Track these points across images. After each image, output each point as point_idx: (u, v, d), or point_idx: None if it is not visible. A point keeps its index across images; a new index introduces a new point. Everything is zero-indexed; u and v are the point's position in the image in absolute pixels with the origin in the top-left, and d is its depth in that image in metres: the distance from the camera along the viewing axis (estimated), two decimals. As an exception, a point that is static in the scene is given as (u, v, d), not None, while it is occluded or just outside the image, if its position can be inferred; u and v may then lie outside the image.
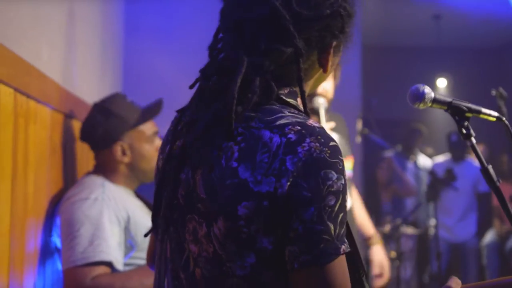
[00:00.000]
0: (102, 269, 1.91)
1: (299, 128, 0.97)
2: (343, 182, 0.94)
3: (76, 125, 2.36)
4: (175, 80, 3.49)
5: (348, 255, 0.98)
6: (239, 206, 0.94)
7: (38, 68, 1.90)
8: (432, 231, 5.69)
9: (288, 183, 0.92)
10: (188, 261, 1.04)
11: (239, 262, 0.96)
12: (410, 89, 1.48)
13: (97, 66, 3.12)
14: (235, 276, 0.97)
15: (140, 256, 2.06)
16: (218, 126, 0.99)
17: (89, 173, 2.19)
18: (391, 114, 6.38)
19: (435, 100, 1.47)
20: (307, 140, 0.95)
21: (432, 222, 5.14)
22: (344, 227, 0.95)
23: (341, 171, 0.95)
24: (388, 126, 6.05)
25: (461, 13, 6.72)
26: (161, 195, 1.07)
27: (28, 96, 1.79)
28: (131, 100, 2.25)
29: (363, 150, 5.41)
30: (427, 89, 1.47)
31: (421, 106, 1.48)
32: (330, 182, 0.93)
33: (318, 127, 0.98)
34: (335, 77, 2.56)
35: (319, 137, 0.96)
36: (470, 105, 1.49)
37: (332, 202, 0.92)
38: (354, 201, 2.71)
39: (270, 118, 0.99)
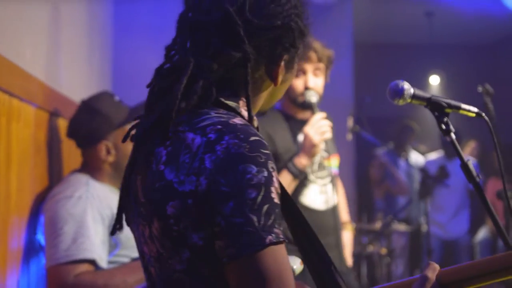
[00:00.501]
0: (85, 267, 1.91)
1: (219, 127, 1.00)
2: (265, 175, 0.95)
3: (63, 124, 2.35)
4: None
5: (312, 249, 1.01)
6: (167, 206, 0.99)
7: (21, 66, 1.90)
8: (424, 228, 5.71)
9: (207, 181, 0.95)
10: (146, 261, 1.10)
11: (177, 258, 1.01)
12: (390, 85, 1.48)
13: (85, 64, 3.11)
14: (176, 271, 1.02)
15: (125, 254, 2.06)
16: (157, 129, 1.04)
17: (74, 171, 2.19)
18: (384, 112, 6.36)
19: (414, 96, 1.48)
20: (226, 137, 0.97)
21: (424, 219, 5.15)
22: (273, 218, 0.95)
23: (262, 164, 0.96)
24: (381, 124, 6.05)
25: (454, 10, 6.73)
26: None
27: (11, 94, 1.79)
28: (118, 99, 2.25)
29: (355, 147, 5.41)
30: (406, 85, 1.47)
31: (401, 102, 1.48)
32: (249, 176, 0.94)
33: (240, 124, 1.01)
34: (325, 76, 2.57)
35: (238, 133, 0.98)
36: (449, 101, 1.49)
37: (253, 195, 0.93)
38: (338, 195, 2.72)
39: (196, 120, 1.03)
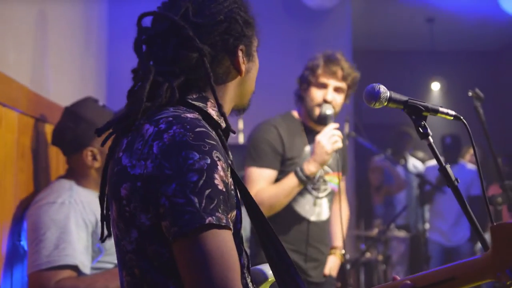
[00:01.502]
0: (67, 273, 1.90)
1: (171, 119, 1.10)
2: (208, 162, 1.03)
3: (49, 129, 2.35)
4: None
5: (275, 252, 1.11)
6: (121, 188, 1.09)
7: (3, 71, 1.89)
8: (424, 235, 5.67)
9: (153, 164, 1.04)
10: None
11: (127, 238, 1.09)
12: (366, 88, 1.47)
13: (75, 70, 3.11)
14: (128, 252, 1.10)
15: (108, 261, 2.05)
16: (123, 125, 1.16)
17: (60, 177, 2.18)
18: (384, 118, 6.35)
19: (390, 99, 1.46)
20: (174, 127, 1.07)
21: (425, 226, 5.12)
22: (215, 203, 1.01)
23: (206, 152, 1.04)
24: (379, 130, 6.04)
25: (455, 16, 6.71)
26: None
27: (-8, 99, 1.78)
28: (103, 105, 2.24)
29: (353, 154, 5.39)
30: (382, 88, 1.46)
31: (377, 105, 1.47)
32: (191, 161, 1.02)
33: (190, 118, 1.10)
34: (346, 96, 2.60)
35: (185, 124, 1.07)
36: (426, 104, 1.48)
37: (194, 179, 1.00)
38: (333, 212, 2.72)
39: (155, 115, 1.13)
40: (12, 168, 1.99)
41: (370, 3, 6.10)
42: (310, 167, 2.39)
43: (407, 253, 5.51)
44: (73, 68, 3.02)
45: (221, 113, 1.20)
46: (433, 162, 5.74)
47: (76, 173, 2.15)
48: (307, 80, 2.53)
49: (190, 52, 1.16)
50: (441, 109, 1.49)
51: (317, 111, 2.51)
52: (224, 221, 1.01)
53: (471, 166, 5.53)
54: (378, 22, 6.92)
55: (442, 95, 7.61)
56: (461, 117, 1.50)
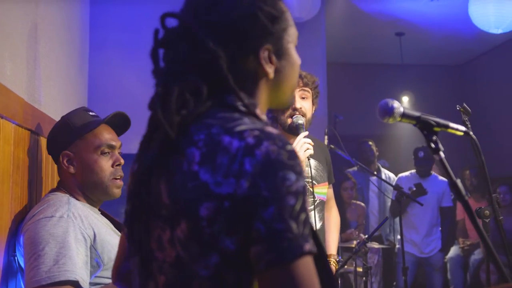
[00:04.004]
0: (68, 289, 1.85)
1: (257, 133, 1.00)
2: (302, 184, 0.96)
3: (43, 142, 2.31)
4: (142, 93, 3.46)
5: (319, 264, 1.00)
6: (201, 207, 0.97)
7: (1, 81, 1.85)
8: (397, 245, 5.74)
9: (247, 184, 0.95)
10: (152, 272, 1.07)
11: (203, 263, 0.98)
12: (379, 104, 1.49)
13: (62, 81, 3.06)
14: (198, 278, 0.99)
15: (107, 276, 2.01)
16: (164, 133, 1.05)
17: (53, 190, 2.14)
18: (356, 130, 6.43)
19: (404, 115, 1.48)
20: (265, 143, 0.98)
21: (398, 237, 5.18)
22: (308, 227, 0.96)
23: (300, 173, 0.97)
24: (353, 142, 6.11)
25: (424, 31, 6.86)
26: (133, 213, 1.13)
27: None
28: (94, 114, 2.21)
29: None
30: (396, 104, 1.48)
31: (391, 120, 1.49)
32: (289, 183, 0.94)
33: (275, 133, 1.01)
34: (313, 102, 2.73)
35: (276, 140, 0.99)
36: (438, 119, 1.50)
37: (292, 202, 0.94)
38: (326, 221, 2.82)
39: (231, 125, 1.03)
40: (8, 181, 1.94)
41: (344, 17, 6.18)
42: None
43: (380, 264, 5.57)
44: (60, 79, 2.98)
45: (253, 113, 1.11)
46: (405, 173, 5.83)
47: (65, 185, 2.12)
48: None
49: (202, 54, 1.07)
50: (451, 124, 1.52)
51: (289, 122, 2.63)
52: (314, 246, 0.96)
53: (442, 178, 5.64)
54: (350, 36, 7.02)
55: (411, 108, 7.74)
56: (470, 133, 1.54)
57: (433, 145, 1.49)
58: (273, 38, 1.12)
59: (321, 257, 1.05)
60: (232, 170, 0.96)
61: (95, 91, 4.05)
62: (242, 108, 1.09)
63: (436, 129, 1.51)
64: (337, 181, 6.06)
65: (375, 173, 5.64)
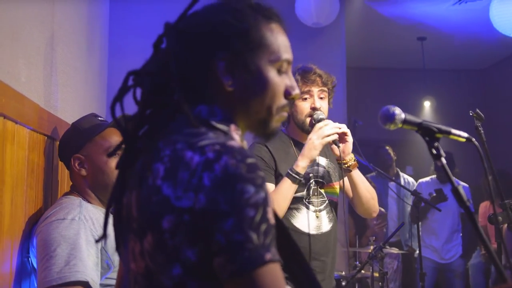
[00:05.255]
0: (78, 289, 1.90)
1: (218, 147, 1.02)
2: (262, 196, 0.98)
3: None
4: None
5: (303, 274, 1.05)
6: (163, 220, 1.01)
7: (16, 89, 1.91)
8: (417, 251, 5.70)
9: (205, 198, 0.97)
10: (130, 281, 1.12)
11: (168, 274, 1.02)
12: (381, 110, 1.50)
13: (80, 87, 3.13)
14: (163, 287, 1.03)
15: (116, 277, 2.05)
16: (146, 149, 1.11)
17: (66, 193, 2.19)
18: (376, 135, 6.40)
19: (405, 121, 1.49)
20: (224, 157, 1.00)
21: (417, 242, 5.15)
22: (270, 238, 0.98)
23: (260, 186, 0.99)
24: (371, 147, 6.09)
25: (446, 35, 6.80)
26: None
27: (5, 116, 1.80)
28: (102, 119, 2.26)
29: (348, 170, 5.42)
30: (397, 110, 1.49)
31: (392, 127, 1.50)
32: (247, 195, 0.97)
33: (237, 147, 1.03)
34: (329, 104, 2.66)
35: (235, 154, 1.01)
36: (440, 126, 1.51)
37: (252, 214, 0.96)
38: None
39: (195, 140, 1.06)
40: (23, 185, 2.00)
41: (363, 21, 6.17)
42: (298, 162, 2.44)
43: (399, 270, 5.53)
44: (77, 85, 3.04)
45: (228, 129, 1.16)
46: (426, 178, 5.79)
47: (78, 189, 2.17)
48: None
49: (171, 62, 1.11)
50: (453, 131, 1.52)
51: (308, 121, 2.58)
52: (277, 255, 0.98)
53: (464, 184, 5.59)
54: (371, 40, 7.00)
55: (432, 113, 7.67)
56: (473, 139, 1.54)
57: (434, 151, 1.50)
58: (234, 51, 1.13)
59: (299, 260, 1.11)
60: (192, 185, 0.99)
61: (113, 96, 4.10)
62: (217, 124, 1.13)
63: (438, 135, 1.51)
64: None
65: (393, 178, 5.61)
